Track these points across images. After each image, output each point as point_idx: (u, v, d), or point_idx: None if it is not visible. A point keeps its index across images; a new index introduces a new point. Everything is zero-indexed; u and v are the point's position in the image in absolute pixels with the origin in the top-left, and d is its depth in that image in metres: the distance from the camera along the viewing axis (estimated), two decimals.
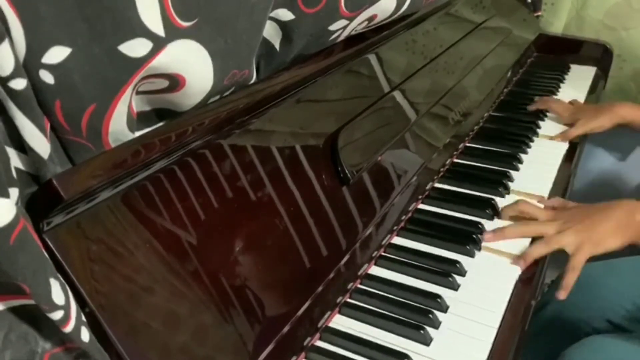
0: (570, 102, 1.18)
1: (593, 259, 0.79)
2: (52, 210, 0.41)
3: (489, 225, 0.81)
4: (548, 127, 1.12)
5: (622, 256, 0.94)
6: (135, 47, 0.43)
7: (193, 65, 0.50)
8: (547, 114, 1.16)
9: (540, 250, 0.75)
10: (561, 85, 1.31)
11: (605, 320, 0.90)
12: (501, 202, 0.86)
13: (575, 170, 1.03)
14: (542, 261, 0.76)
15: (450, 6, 1.09)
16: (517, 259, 0.75)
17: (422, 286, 0.70)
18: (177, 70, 0.48)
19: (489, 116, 1.13)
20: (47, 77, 0.39)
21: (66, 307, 0.38)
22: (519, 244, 0.78)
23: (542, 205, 0.85)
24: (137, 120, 0.50)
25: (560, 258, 0.78)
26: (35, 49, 0.38)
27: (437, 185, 0.90)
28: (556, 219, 0.79)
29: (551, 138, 1.08)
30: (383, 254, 0.75)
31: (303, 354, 0.61)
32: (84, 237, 0.44)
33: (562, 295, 0.77)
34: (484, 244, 0.77)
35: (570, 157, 1.03)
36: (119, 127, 0.47)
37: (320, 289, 0.63)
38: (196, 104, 0.54)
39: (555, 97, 1.23)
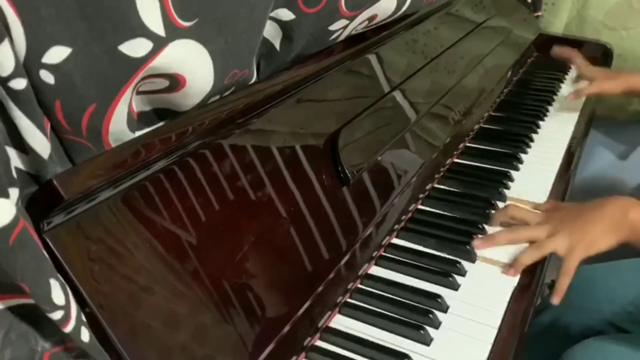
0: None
1: (594, 261, 0.78)
2: (52, 210, 0.41)
3: (488, 226, 0.81)
4: (549, 125, 1.12)
5: (623, 257, 0.94)
6: (136, 47, 0.43)
7: (193, 65, 0.50)
8: (548, 113, 1.17)
9: (530, 256, 0.73)
10: (561, 85, 1.31)
11: (606, 322, 0.90)
12: (501, 202, 0.86)
13: (575, 170, 1.03)
14: (542, 261, 0.75)
15: (451, 6, 1.09)
16: (507, 267, 0.73)
17: (422, 286, 0.70)
18: (177, 70, 0.48)
19: (489, 116, 1.13)
20: (47, 77, 0.39)
21: (66, 307, 0.38)
22: (514, 252, 0.75)
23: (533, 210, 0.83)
24: (137, 120, 0.50)
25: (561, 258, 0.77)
26: (36, 48, 0.38)
27: (437, 185, 0.90)
28: (547, 222, 0.77)
29: (567, 96, 1.14)
30: (383, 254, 0.75)
31: (303, 354, 0.61)
32: (84, 237, 0.44)
33: (555, 300, 0.74)
34: (479, 254, 0.75)
35: (570, 156, 1.03)
36: (119, 127, 0.47)
37: (320, 288, 0.63)
38: (196, 104, 0.54)
39: (564, 79, 1.33)
